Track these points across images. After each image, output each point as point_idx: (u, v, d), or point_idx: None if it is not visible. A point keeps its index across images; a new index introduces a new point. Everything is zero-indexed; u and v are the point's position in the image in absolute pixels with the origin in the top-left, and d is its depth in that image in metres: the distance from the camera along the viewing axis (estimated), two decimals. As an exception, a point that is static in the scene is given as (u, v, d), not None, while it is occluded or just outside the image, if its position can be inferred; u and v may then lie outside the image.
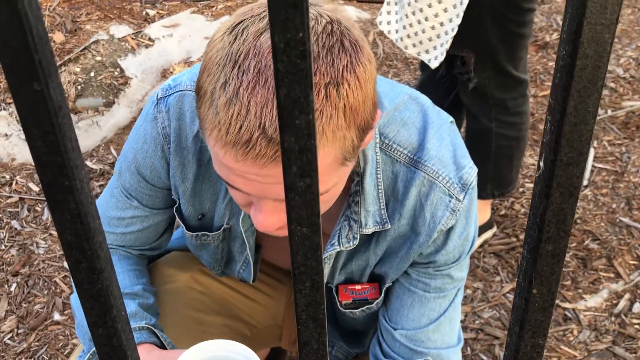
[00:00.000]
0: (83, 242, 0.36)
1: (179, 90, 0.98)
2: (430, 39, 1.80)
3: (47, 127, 0.32)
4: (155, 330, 1.04)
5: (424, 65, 2.18)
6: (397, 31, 1.87)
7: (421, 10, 1.75)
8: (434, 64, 1.84)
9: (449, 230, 0.98)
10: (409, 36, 1.82)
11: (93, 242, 0.37)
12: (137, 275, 1.13)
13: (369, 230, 0.98)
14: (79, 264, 0.37)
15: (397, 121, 0.96)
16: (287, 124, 0.33)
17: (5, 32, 0.30)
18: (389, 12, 1.92)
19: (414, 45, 1.84)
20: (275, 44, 0.30)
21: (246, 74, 0.73)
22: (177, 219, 1.09)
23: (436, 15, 1.75)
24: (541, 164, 0.32)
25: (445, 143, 0.97)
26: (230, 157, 0.75)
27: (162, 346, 1.04)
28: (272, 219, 0.83)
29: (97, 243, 0.37)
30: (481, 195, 2.17)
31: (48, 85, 0.31)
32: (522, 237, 2.27)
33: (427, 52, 1.83)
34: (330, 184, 0.82)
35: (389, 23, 1.91)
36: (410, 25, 1.80)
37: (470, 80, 1.93)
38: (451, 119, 1.01)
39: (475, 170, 0.98)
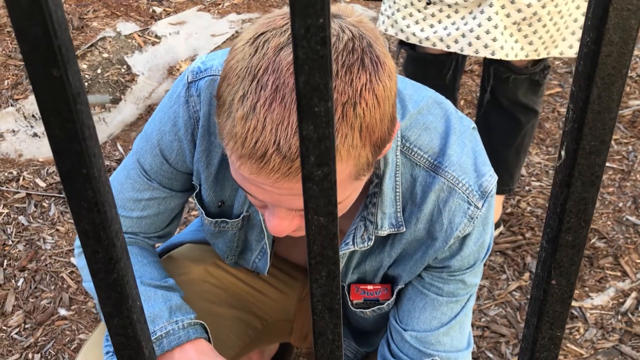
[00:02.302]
0: (100, 231, 0.36)
1: (210, 75, 0.97)
2: (559, 31, 1.75)
3: (65, 113, 0.32)
4: (206, 325, 1.07)
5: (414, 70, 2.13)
6: (502, 47, 1.74)
7: (549, 13, 1.69)
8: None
9: (465, 237, 0.98)
10: (531, 43, 1.75)
11: (110, 230, 0.36)
12: (162, 267, 1.13)
13: (384, 232, 0.98)
14: (95, 253, 0.37)
15: (419, 125, 0.96)
16: (306, 111, 0.32)
17: (26, 19, 0.30)
18: (468, 39, 1.77)
19: (545, 48, 1.77)
20: (296, 30, 0.30)
21: (264, 90, 0.73)
22: (197, 206, 1.09)
23: (550, 14, 1.70)
24: (562, 152, 0.31)
25: (467, 150, 0.96)
26: (245, 168, 0.77)
27: (208, 340, 1.06)
28: (285, 224, 0.84)
29: (113, 232, 0.37)
30: (507, 190, 2.18)
31: (67, 71, 0.31)
32: (528, 235, 2.26)
33: (556, 46, 1.78)
34: (343, 197, 0.83)
35: (485, 46, 1.76)
36: (535, 32, 1.74)
37: (539, 74, 1.91)
38: (473, 125, 1.01)
39: (495, 178, 0.98)
